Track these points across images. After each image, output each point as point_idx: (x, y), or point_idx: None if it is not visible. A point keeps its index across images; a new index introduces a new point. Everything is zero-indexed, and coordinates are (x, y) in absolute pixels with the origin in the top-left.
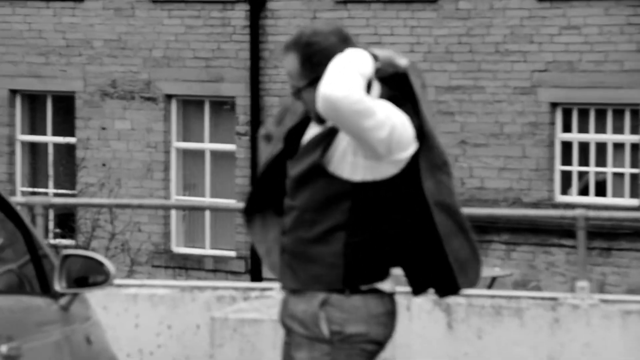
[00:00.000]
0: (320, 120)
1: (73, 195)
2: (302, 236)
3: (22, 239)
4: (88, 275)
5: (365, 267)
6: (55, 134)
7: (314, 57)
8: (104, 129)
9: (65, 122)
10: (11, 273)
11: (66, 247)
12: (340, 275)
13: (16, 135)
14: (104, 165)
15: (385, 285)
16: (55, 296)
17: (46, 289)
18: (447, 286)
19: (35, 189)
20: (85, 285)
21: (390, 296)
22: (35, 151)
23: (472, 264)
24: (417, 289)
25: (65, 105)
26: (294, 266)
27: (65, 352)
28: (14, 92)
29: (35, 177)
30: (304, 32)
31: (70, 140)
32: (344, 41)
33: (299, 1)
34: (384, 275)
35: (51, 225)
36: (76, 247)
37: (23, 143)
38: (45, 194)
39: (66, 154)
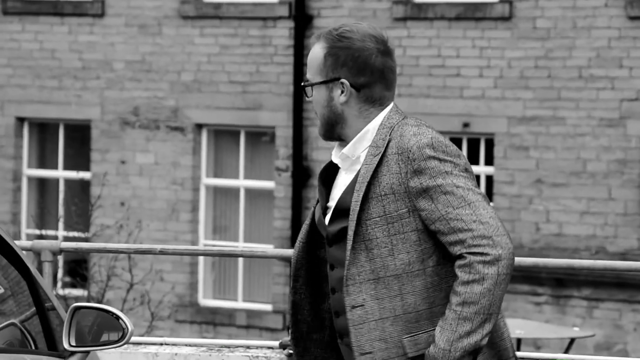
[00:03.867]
0: (328, 137)
1: (86, 239)
2: None
3: (27, 289)
4: (101, 331)
5: None
6: (67, 168)
7: (341, 55)
8: (123, 162)
9: (79, 154)
10: (14, 328)
11: (77, 298)
12: None
13: (23, 169)
14: (122, 204)
15: None
16: (64, 355)
17: (53, 347)
18: None
19: (43, 231)
20: (98, 343)
21: None
22: (44, 187)
23: None
24: None
25: (79, 135)
26: None
27: None
28: (21, 120)
29: (44, 218)
30: (343, 25)
31: (85, 175)
32: (384, 53)
33: (351, 18)
34: None
35: (60, 273)
36: (88, 298)
37: (30, 178)
38: (55, 237)
39: (79, 191)
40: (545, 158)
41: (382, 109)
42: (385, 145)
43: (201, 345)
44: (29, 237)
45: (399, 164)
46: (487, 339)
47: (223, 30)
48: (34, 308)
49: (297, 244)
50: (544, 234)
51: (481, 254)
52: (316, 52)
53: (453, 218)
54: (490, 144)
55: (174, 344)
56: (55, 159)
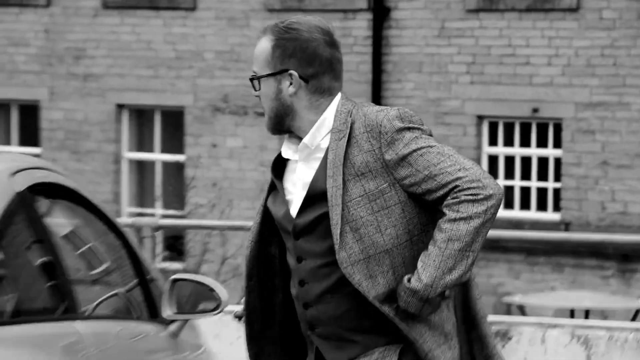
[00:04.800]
0: (277, 130)
1: (182, 217)
2: None
3: (130, 263)
4: (198, 301)
5: None
6: (163, 151)
7: (289, 46)
8: (214, 146)
9: (174, 138)
10: (118, 297)
11: (175, 271)
12: None
13: (122, 152)
14: (214, 185)
15: None
16: (164, 322)
17: (154, 315)
18: None
19: (142, 210)
20: (195, 312)
21: None
22: (142, 169)
23: None
24: None
25: (174, 120)
26: None
27: None
28: (120, 107)
29: (142, 197)
30: (288, 18)
31: (179, 158)
32: (331, 44)
33: (427, 10)
34: None
35: (159, 248)
36: (185, 271)
37: (130, 161)
38: (153, 214)
39: (175, 172)
40: (611, 141)
41: (332, 99)
42: (349, 127)
43: None
44: (130, 214)
45: (370, 141)
46: (468, 274)
47: None
48: (137, 280)
49: (250, 244)
50: (609, 213)
51: (472, 194)
52: (263, 45)
53: (438, 173)
54: (558, 129)
55: None
56: (152, 143)
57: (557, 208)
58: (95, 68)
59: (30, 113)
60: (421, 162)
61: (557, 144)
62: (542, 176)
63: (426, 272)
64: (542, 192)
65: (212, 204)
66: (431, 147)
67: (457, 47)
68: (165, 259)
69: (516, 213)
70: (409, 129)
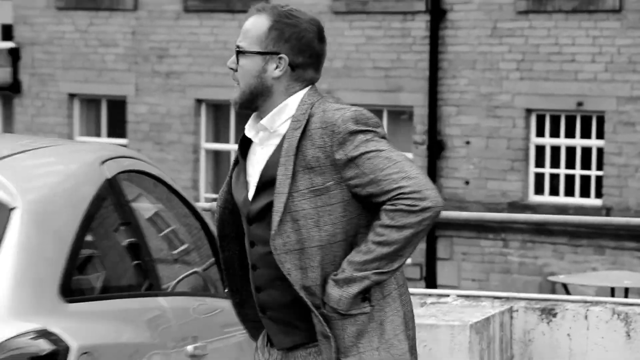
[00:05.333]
0: (246, 106)
1: None
2: None
3: (207, 244)
4: None
5: None
6: (237, 141)
7: (287, 31)
8: None
9: None
10: (197, 275)
11: None
12: None
13: (201, 143)
14: None
15: None
16: None
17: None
18: None
19: (218, 196)
20: None
21: None
22: (218, 158)
23: None
24: None
25: (247, 114)
26: None
27: (247, 354)
28: (199, 102)
29: (218, 184)
30: (287, 5)
31: None
32: (321, 40)
33: (480, 11)
34: None
35: None
36: None
37: (207, 151)
38: None
39: None
40: None
41: (305, 89)
42: (306, 119)
43: None
44: (207, 200)
45: (323, 137)
46: (390, 275)
47: (369, 23)
48: (213, 259)
49: (218, 209)
50: None
51: (409, 205)
52: (259, 22)
53: (382, 179)
54: (601, 121)
55: None
56: (227, 135)
57: (599, 194)
58: (176, 66)
59: (117, 107)
60: (368, 165)
61: (600, 135)
62: (586, 165)
63: (350, 267)
64: (585, 180)
65: None
66: (380, 151)
67: (508, 45)
68: None
69: (561, 199)
70: (362, 131)
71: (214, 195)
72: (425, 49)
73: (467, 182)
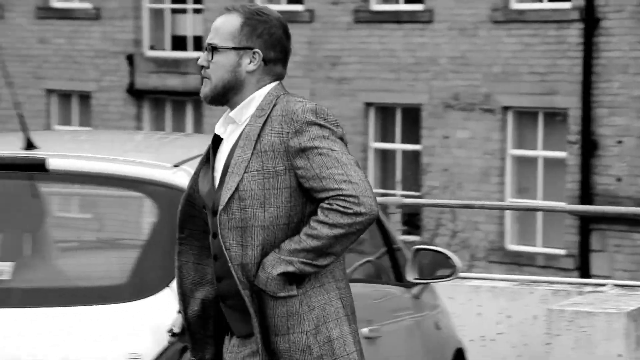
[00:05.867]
0: (218, 100)
1: (418, 197)
2: None
3: (379, 234)
4: (436, 268)
5: None
6: (403, 141)
7: (259, 27)
8: (446, 137)
9: (412, 131)
10: (370, 264)
11: (412, 243)
12: None
13: (369, 143)
14: (445, 170)
15: None
16: (408, 286)
17: (400, 279)
18: None
19: (385, 191)
20: (434, 277)
21: None
22: (385, 157)
23: None
24: None
25: (412, 116)
26: None
27: (416, 336)
28: (368, 105)
29: (385, 181)
30: (255, 4)
31: (416, 147)
32: (288, 37)
33: (632, 19)
34: None
35: (398, 223)
36: (421, 244)
37: (375, 150)
38: (394, 195)
39: (412, 160)
40: None
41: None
42: (270, 108)
43: (513, 281)
44: (377, 195)
45: (281, 124)
46: (316, 269)
47: (526, 31)
48: (385, 249)
49: (182, 200)
50: None
51: (344, 207)
52: (231, 19)
53: (326, 177)
54: None
55: (492, 279)
56: (393, 135)
57: None
58: (347, 72)
59: None
60: (317, 160)
61: None
62: None
63: (279, 252)
64: None
65: (444, 186)
66: (332, 150)
67: None
68: (403, 233)
69: None
70: (320, 125)
71: (381, 191)
72: (579, 54)
73: (619, 179)
